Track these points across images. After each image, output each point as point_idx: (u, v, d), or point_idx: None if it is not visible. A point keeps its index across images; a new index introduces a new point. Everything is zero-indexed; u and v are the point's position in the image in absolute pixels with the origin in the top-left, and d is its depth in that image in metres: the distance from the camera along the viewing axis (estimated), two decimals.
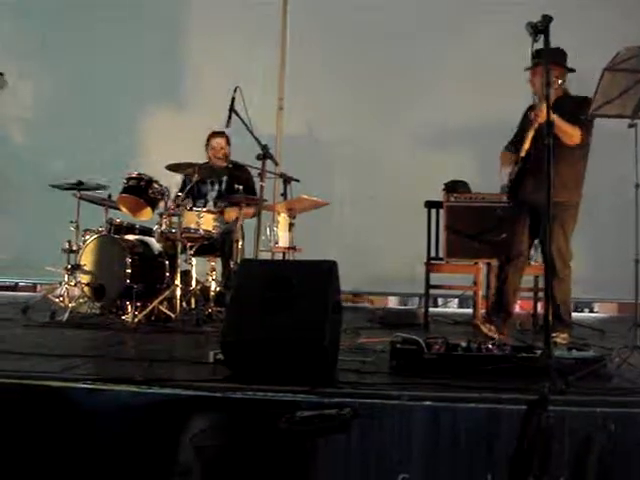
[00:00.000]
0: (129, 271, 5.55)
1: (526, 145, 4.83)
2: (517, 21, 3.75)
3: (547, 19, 3.56)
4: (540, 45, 3.63)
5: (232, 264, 5.88)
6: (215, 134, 6.50)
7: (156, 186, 5.82)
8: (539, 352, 3.52)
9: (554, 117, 4.34)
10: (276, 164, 5.86)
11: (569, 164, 4.79)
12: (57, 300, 5.79)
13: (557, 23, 3.61)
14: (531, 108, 5.03)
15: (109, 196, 6.06)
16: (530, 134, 4.79)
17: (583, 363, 3.54)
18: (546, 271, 3.56)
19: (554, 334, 4.43)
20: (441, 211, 6.30)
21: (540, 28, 3.58)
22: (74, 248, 5.87)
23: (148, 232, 6.07)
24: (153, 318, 5.53)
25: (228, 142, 6.53)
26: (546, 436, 2.78)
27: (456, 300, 8.29)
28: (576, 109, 4.73)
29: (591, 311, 9.10)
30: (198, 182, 6.00)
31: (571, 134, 4.74)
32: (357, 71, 7.95)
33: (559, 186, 4.72)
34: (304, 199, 5.99)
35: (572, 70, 4.90)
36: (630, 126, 4.17)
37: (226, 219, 6.15)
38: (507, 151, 5.25)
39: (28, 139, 8.41)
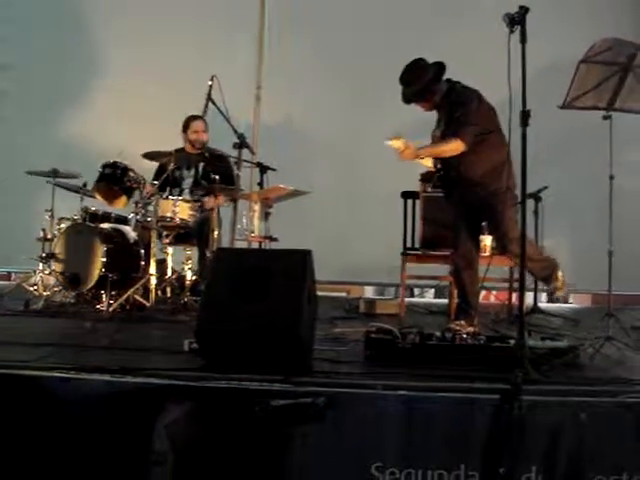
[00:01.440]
0: (104, 260, 5.51)
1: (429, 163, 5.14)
2: (497, 13, 3.76)
3: (523, 10, 3.57)
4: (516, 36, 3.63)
5: (208, 253, 5.86)
6: (194, 117, 6.44)
7: (132, 174, 5.78)
8: (512, 342, 3.55)
9: (422, 152, 4.89)
10: (253, 153, 5.84)
11: (483, 159, 4.84)
12: (31, 289, 5.75)
13: (536, 15, 3.63)
14: None
15: (84, 184, 6.01)
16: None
17: (556, 353, 3.58)
18: (522, 260, 3.57)
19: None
20: (417, 201, 6.32)
21: (517, 19, 3.59)
22: (49, 237, 5.82)
23: (124, 220, 6.04)
24: (128, 307, 5.50)
25: (206, 127, 6.49)
26: (518, 425, 2.80)
27: (432, 290, 8.33)
28: (450, 116, 4.87)
29: (565, 302, 9.16)
30: (174, 169, 5.95)
31: (451, 149, 4.82)
32: (336, 60, 7.93)
33: (486, 179, 4.87)
34: (280, 188, 5.97)
35: (436, 79, 4.95)
36: (605, 118, 4.20)
37: (206, 206, 6.13)
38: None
39: (1, 126, 8.31)
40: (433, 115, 5.15)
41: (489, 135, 4.81)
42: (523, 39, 3.59)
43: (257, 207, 6.08)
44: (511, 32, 3.73)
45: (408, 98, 4.98)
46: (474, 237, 5.11)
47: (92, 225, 5.77)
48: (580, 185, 6.97)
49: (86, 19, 8.18)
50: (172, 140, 6.36)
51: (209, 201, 6.18)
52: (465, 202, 5.01)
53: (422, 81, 4.88)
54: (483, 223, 5.12)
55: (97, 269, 5.51)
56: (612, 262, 4.30)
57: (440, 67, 4.94)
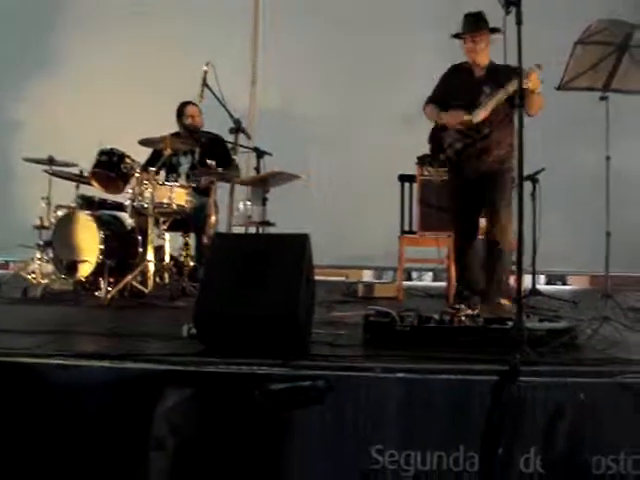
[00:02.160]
0: (101, 247, 5.51)
1: (485, 114, 4.85)
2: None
3: None
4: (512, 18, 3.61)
5: (205, 239, 5.86)
6: (187, 103, 6.45)
7: (128, 161, 5.76)
8: (510, 323, 3.55)
9: (537, 90, 4.54)
10: (249, 137, 5.83)
11: (510, 133, 4.92)
12: (29, 277, 5.74)
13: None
14: (457, 68, 5.18)
15: (81, 172, 5.99)
16: (493, 103, 4.82)
17: (554, 334, 3.58)
18: (519, 242, 3.57)
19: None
20: (414, 185, 6.32)
21: (513, 1, 3.57)
22: (46, 224, 5.82)
23: (120, 207, 6.03)
24: (126, 294, 5.50)
25: (200, 112, 6.48)
26: (517, 407, 2.82)
27: (430, 273, 8.34)
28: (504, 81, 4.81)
29: (564, 284, 9.19)
30: (170, 155, 5.93)
31: (539, 105, 4.75)
32: (332, 45, 7.90)
33: (509, 153, 4.95)
34: (278, 173, 5.96)
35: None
36: (601, 99, 4.20)
37: (201, 185, 6.13)
38: (435, 107, 5.16)
39: None
40: (423, 99, 5.14)
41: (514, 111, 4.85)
42: (519, 20, 3.57)
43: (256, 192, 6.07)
44: (507, 13, 3.73)
45: (478, 27, 4.94)
46: (476, 216, 5.16)
47: (89, 212, 5.75)
48: (577, 166, 6.97)
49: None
50: (168, 127, 6.34)
51: (203, 179, 6.18)
52: (477, 176, 5.01)
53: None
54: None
55: (94, 256, 5.51)
56: (610, 243, 4.30)
57: None
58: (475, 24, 4.93)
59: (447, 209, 5.61)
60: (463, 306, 4.69)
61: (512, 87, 4.56)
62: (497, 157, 4.96)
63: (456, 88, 5.07)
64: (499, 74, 4.86)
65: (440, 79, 5.25)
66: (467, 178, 5.07)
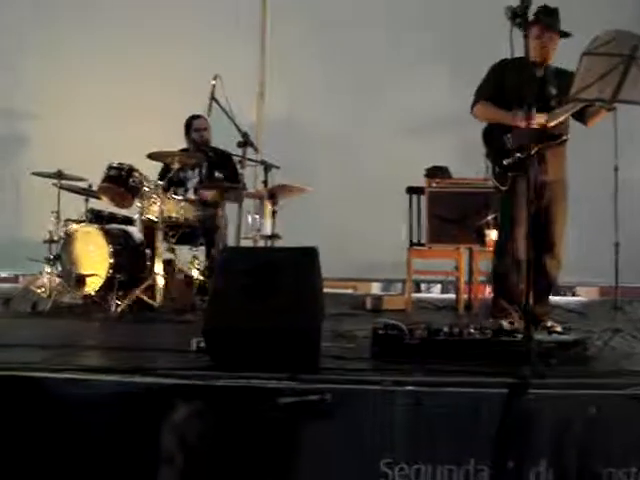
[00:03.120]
0: (111, 261, 5.52)
1: (562, 118, 4.49)
2: (497, 7, 3.75)
3: (526, 3, 3.56)
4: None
5: (214, 252, 5.86)
6: (196, 116, 6.48)
7: (137, 175, 5.78)
8: (520, 336, 3.54)
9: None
10: (257, 151, 5.85)
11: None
12: (39, 291, 5.76)
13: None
14: (513, 63, 4.39)
15: (89, 186, 6.02)
16: (571, 109, 4.44)
17: (564, 346, 3.57)
18: (527, 253, 3.54)
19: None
20: (423, 197, 6.32)
21: (519, 13, 3.58)
22: (55, 238, 5.84)
23: (129, 221, 6.05)
24: (136, 308, 5.51)
25: (209, 126, 6.51)
26: (527, 419, 2.80)
27: (439, 285, 8.33)
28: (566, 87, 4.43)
29: (573, 295, 9.16)
30: (178, 169, 5.96)
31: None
32: (338, 57, 7.94)
33: (565, 163, 4.72)
34: (286, 186, 5.97)
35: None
36: (609, 110, 4.19)
37: (205, 198, 6.15)
38: (491, 104, 4.73)
39: (8, 128, 8.33)
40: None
41: None
42: (526, 34, 3.58)
43: (265, 206, 6.09)
44: (513, 26, 3.73)
45: (556, 26, 4.62)
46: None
47: (98, 226, 5.77)
48: (585, 177, 6.95)
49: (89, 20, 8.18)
50: (176, 141, 6.37)
51: (209, 193, 6.19)
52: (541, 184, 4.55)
53: None
54: None
55: (104, 270, 5.52)
56: (619, 254, 4.29)
57: None
58: (557, 21, 4.60)
59: (455, 221, 5.59)
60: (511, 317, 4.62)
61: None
62: (559, 164, 4.70)
63: (516, 85, 4.38)
64: (562, 77, 4.47)
65: (490, 74, 4.81)
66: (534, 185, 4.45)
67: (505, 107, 4.61)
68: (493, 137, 4.72)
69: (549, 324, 4.44)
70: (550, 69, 4.66)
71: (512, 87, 4.49)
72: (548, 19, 4.57)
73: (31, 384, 3.08)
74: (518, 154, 4.52)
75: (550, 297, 4.82)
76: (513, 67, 4.45)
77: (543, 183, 4.53)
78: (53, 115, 8.02)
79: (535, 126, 4.35)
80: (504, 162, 4.60)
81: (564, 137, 4.57)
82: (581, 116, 4.56)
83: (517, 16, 3.58)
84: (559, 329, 4.33)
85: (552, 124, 4.45)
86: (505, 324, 4.35)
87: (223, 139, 6.26)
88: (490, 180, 4.96)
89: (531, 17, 3.77)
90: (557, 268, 4.67)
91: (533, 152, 4.35)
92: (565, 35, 4.60)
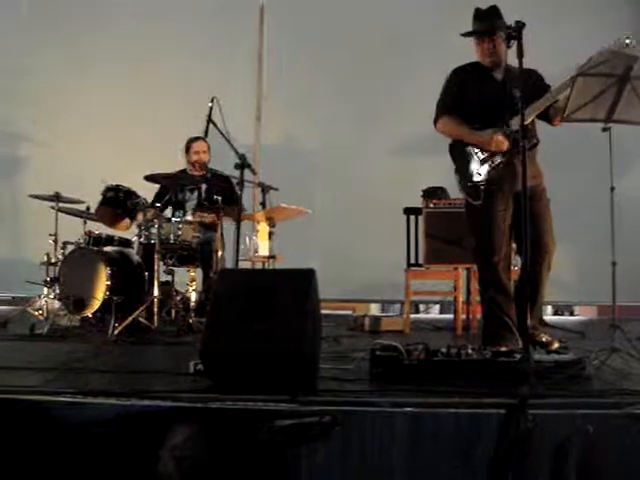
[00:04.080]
0: (108, 283, 5.52)
1: (534, 115, 4.36)
2: None
3: (520, 25, 3.60)
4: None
5: (212, 274, 5.87)
6: (195, 138, 6.50)
7: (134, 197, 5.80)
8: (518, 356, 3.54)
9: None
10: (254, 173, 5.86)
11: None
12: (37, 313, 5.76)
13: (533, 29, 3.65)
14: (469, 70, 4.60)
15: (87, 208, 6.03)
16: (539, 108, 4.32)
17: (562, 366, 3.57)
18: (524, 273, 3.56)
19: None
20: (420, 217, 6.34)
21: (513, 34, 3.61)
22: (53, 261, 5.84)
23: (127, 243, 6.05)
24: (133, 330, 5.50)
25: (208, 148, 6.53)
26: (525, 440, 2.80)
27: (437, 306, 8.32)
28: (542, 81, 4.52)
29: (571, 314, 9.16)
30: (177, 191, 5.97)
31: None
32: (335, 80, 7.99)
33: (540, 170, 4.63)
34: (284, 208, 5.99)
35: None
36: (604, 130, 4.22)
37: (207, 220, 6.16)
38: (455, 119, 4.58)
39: (6, 151, 8.35)
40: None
41: None
42: (520, 54, 3.62)
43: (261, 227, 6.11)
44: (508, 47, 3.77)
45: (496, 26, 4.37)
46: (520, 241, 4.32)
47: (96, 249, 5.77)
48: (582, 196, 6.98)
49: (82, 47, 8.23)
50: (172, 163, 6.39)
51: (207, 215, 6.21)
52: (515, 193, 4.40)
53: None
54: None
55: (101, 292, 5.51)
56: (616, 273, 4.29)
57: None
58: (491, 23, 4.39)
59: (452, 241, 5.60)
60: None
61: (562, 94, 4.17)
62: (538, 170, 4.58)
63: (479, 94, 4.47)
64: (525, 76, 3.89)
65: (448, 84, 4.67)
66: (502, 196, 4.46)
67: (469, 117, 4.52)
68: (459, 151, 4.61)
69: (544, 339, 4.41)
70: (511, 70, 4.42)
71: (474, 96, 4.48)
72: (482, 24, 4.45)
73: (28, 407, 3.07)
74: (487, 165, 4.45)
75: (542, 312, 4.78)
76: (472, 74, 4.53)
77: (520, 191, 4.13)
78: (51, 138, 8.06)
79: (504, 147, 4.35)
80: (474, 177, 4.49)
81: (534, 140, 4.45)
82: (546, 116, 4.45)
83: (512, 37, 3.64)
84: (556, 345, 4.31)
85: (528, 122, 4.21)
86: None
87: (220, 161, 6.28)
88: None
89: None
90: (547, 272, 4.50)
91: (500, 161, 4.38)
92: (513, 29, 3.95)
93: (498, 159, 4.42)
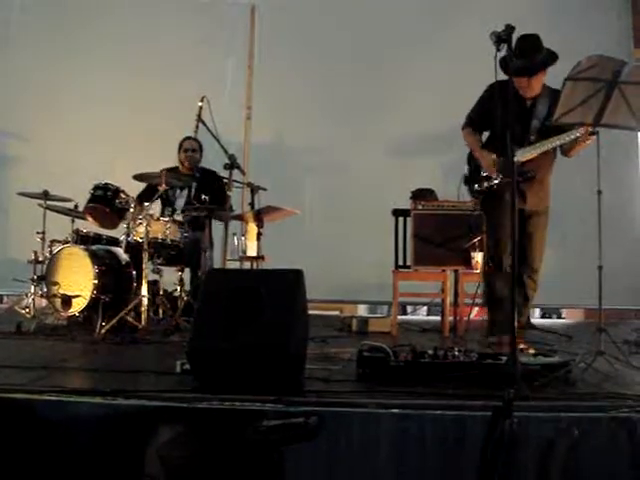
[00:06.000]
0: (96, 282, 5.50)
1: (531, 156, 4.60)
2: (484, 31, 3.79)
3: (510, 28, 3.61)
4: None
5: (200, 274, 5.86)
6: (188, 137, 6.51)
7: (123, 196, 5.78)
8: (504, 358, 3.55)
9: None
10: (243, 173, 5.86)
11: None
12: (23, 311, 5.73)
13: (533, 29, 3.67)
14: (503, 89, 4.31)
15: (75, 206, 6.01)
16: (543, 149, 4.58)
17: (548, 369, 3.58)
18: (513, 276, 3.58)
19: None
20: (408, 219, 6.34)
21: (503, 37, 3.62)
22: (40, 259, 5.82)
23: (115, 242, 6.03)
24: (120, 329, 5.48)
25: (200, 148, 6.54)
26: (511, 442, 2.80)
27: (425, 308, 8.33)
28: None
29: (559, 317, 9.19)
30: (166, 189, 5.95)
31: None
32: (325, 80, 8.00)
33: (547, 193, 4.85)
34: (273, 208, 5.99)
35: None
36: (591, 133, 4.23)
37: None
38: (474, 135, 4.92)
39: None
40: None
41: None
42: (510, 58, 3.63)
43: (249, 227, 6.10)
44: (498, 50, 3.78)
45: (542, 62, 4.54)
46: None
47: (83, 247, 5.75)
48: (569, 200, 7.00)
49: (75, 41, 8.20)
50: (163, 162, 6.38)
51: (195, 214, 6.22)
52: (528, 211, 4.75)
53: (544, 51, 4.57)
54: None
55: (89, 291, 5.49)
56: (602, 277, 4.30)
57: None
58: (538, 56, 4.51)
59: (440, 243, 5.62)
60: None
61: (568, 138, 4.42)
62: (539, 197, 4.81)
63: (503, 115, 4.30)
64: (553, 97, 4.32)
65: (481, 98, 4.87)
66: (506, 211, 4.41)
67: (493, 133, 4.83)
68: (473, 159, 4.93)
69: (521, 346, 4.41)
70: (542, 95, 4.66)
71: (499, 119, 4.47)
72: (528, 63, 4.49)
73: (14, 406, 3.06)
74: (486, 183, 4.76)
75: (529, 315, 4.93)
76: (503, 94, 4.25)
77: (520, 211, 4.46)
78: (40, 136, 8.03)
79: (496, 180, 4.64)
80: (475, 187, 4.86)
81: (529, 174, 4.63)
82: (560, 148, 4.66)
83: (502, 41, 3.63)
84: (531, 351, 4.33)
85: (522, 160, 4.54)
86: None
87: (210, 161, 6.28)
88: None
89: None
90: (534, 290, 4.87)
91: (495, 183, 4.66)
92: (552, 61, 4.52)
93: (495, 181, 4.70)
